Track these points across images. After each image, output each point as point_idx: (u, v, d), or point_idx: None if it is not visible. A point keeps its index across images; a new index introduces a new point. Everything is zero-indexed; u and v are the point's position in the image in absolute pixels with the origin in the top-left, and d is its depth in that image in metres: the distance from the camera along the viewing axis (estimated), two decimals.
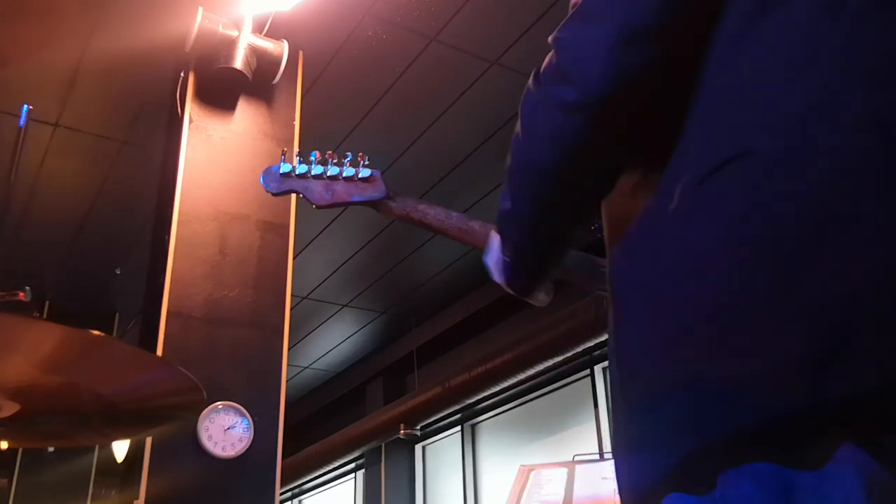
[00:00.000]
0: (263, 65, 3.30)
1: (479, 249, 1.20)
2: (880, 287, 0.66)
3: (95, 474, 5.91)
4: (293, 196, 3.26)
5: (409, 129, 4.34)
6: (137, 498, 2.66)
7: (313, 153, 1.25)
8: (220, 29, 3.21)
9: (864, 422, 0.66)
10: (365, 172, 1.21)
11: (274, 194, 1.24)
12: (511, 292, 1.11)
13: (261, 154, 3.29)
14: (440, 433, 6.63)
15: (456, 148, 4.49)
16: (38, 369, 1.22)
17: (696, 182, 0.77)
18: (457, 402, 5.65)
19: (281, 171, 1.23)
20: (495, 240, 1.10)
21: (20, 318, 1.16)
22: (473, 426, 6.42)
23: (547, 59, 0.91)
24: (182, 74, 3.29)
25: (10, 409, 1.27)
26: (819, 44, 0.76)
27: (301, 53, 3.55)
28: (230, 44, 3.21)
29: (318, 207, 1.24)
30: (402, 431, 6.10)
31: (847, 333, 0.65)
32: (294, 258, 3.33)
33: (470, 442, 6.39)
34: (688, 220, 0.77)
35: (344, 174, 1.22)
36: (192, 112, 3.21)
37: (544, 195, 0.95)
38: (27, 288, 1.60)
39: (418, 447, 6.92)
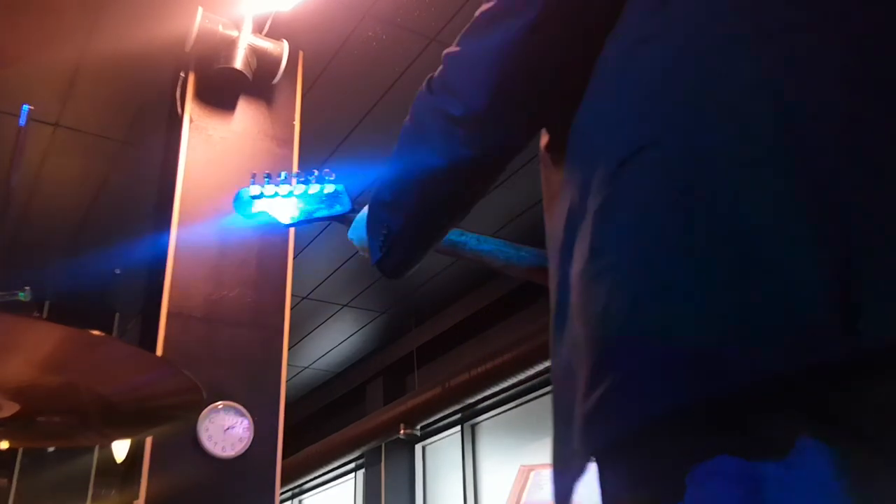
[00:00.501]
0: (263, 65, 3.30)
1: (445, 255, 1.23)
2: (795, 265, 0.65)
3: (95, 474, 5.91)
4: None
5: None
6: (137, 498, 2.66)
7: (281, 173, 1.27)
8: (220, 29, 3.21)
9: (811, 396, 0.65)
10: (330, 188, 1.23)
11: (246, 218, 1.26)
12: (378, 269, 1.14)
13: (261, 154, 3.29)
14: (440, 433, 6.63)
15: None
16: (38, 369, 1.22)
17: (608, 178, 0.77)
18: (457, 402, 5.65)
19: (250, 195, 1.25)
20: (361, 218, 1.14)
21: (20, 318, 1.16)
22: (473, 426, 6.42)
23: (439, 69, 0.94)
24: (182, 74, 3.29)
25: (10, 409, 1.27)
26: (708, 18, 0.75)
27: (301, 53, 3.55)
28: (230, 44, 3.21)
29: (287, 226, 1.26)
30: (402, 431, 6.10)
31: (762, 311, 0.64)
32: (294, 258, 3.33)
33: (470, 442, 6.39)
34: (602, 218, 0.77)
35: (310, 192, 1.24)
36: (192, 112, 3.21)
37: (429, 191, 0.99)
38: (27, 288, 1.60)
39: (418, 447, 6.92)
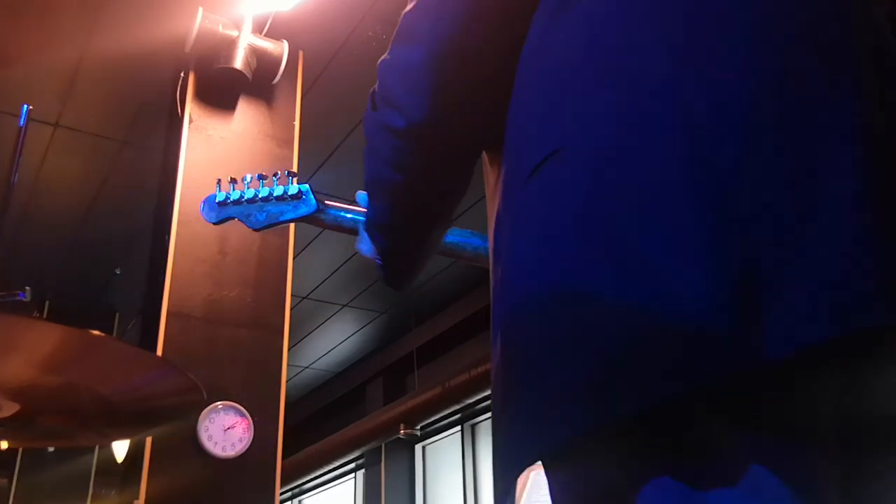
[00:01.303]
0: (263, 65, 3.30)
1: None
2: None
3: (95, 474, 5.92)
4: None
5: None
6: (137, 498, 2.66)
7: (246, 176, 1.26)
8: (220, 29, 3.21)
9: (735, 408, 0.63)
10: (293, 189, 1.22)
11: (214, 223, 1.26)
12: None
13: (261, 154, 3.29)
14: (440, 433, 6.63)
15: None
16: (38, 369, 1.22)
17: (521, 182, 0.76)
18: (457, 402, 5.65)
19: (217, 200, 1.25)
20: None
21: (20, 318, 1.16)
22: (473, 426, 6.42)
23: (377, 83, 0.92)
24: (182, 74, 3.30)
25: (10, 409, 1.27)
26: (616, 23, 0.74)
27: (301, 53, 3.55)
28: (230, 44, 3.21)
29: (255, 230, 1.26)
30: (402, 431, 6.10)
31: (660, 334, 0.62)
32: (294, 258, 3.33)
33: (470, 442, 6.39)
34: (515, 222, 0.76)
35: (275, 194, 1.23)
36: (192, 112, 3.21)
37: (399, 206, 0.98)
38: (27, 288, 1.60)
39: (418, 447, 6.92)
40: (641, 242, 0.64)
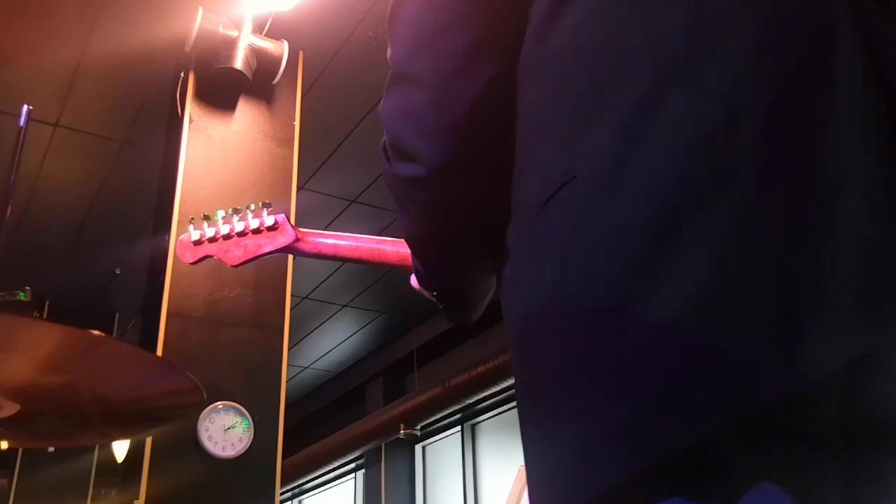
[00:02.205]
0: (263, 65, 3.30)
1: (399, 269, 1.19)
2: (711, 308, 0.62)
3: (95, 474, 5.91)
4: (293, 196, 3.28)
5: None
6: (137, 498, 2.66)
7: (219, 212, 1.23)
8: (220, 29, 3.21)
9: (762, 444, 0.62)
10: (269, 220, 1.20)
11: (191, 264, 1.24)
12: None
13: (261, 154, 3.29)
14: (440, 433, 6.63)
15: None
16: (38, 369, 1.22)
17: (535, 214, 0.73)
18: (457, 402, 5.65)
19: (192, 240, 1.22)
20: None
21: (20, 318, 1.16)
22: (473, 426, 6.42)
23: (385, 136, 0.88)
24: (182, 74, 3.29)
25: (10, 409, 1.27)
26: (615, 36, 0.72)
27: (301, 53, 3.55)
28: (230, 44, 3.21)
29: (234, 266, 1.23)
30: (402, 431, 6.10)
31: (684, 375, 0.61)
32: (294, 258, 3.33)
33: (470, 442, 6.39)
34: (529, 258, 0.74)
35: (251, 227, 1.20)
36: (192, 112, 3.21)
37: (442, 254, 0.94)
38: (27, 288, 1.60)
39: (418, 447, 6.92)
40: (667, 265, 0.63)
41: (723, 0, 0.70)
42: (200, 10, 3.17)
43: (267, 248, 1.20)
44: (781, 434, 0.63)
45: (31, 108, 1.68)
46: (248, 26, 3.25)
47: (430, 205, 0.87)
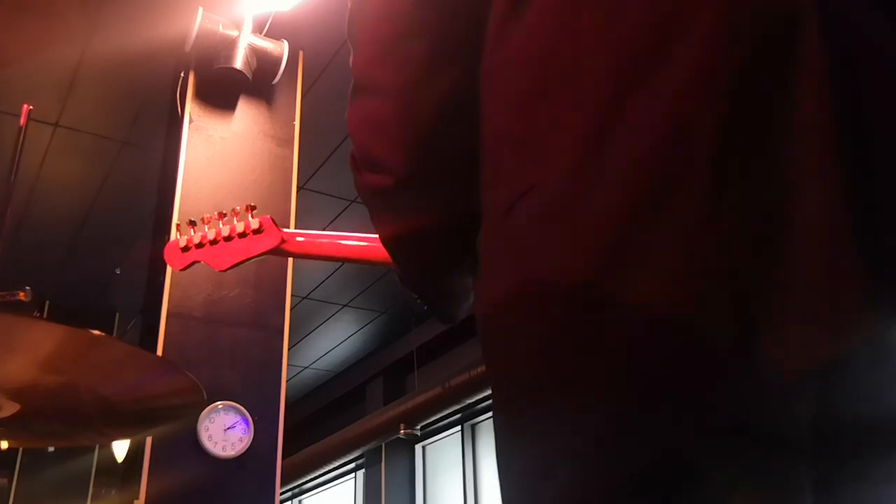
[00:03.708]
0: (263, 65, 3.30)
1: (388, 267, 1.20)
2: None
3: (95, 474, 5.92)
4: (293, 196, 3.28)
5: None
6: (137, 498, 2.66)
7: (204, 216, 1.24)
8: (220, 29, 3.21)
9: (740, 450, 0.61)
10: (255, 223, 1.20)
11: (180, 270, 1.24)
12: None
13: (261, 154, 3.29)
14: (440, 433, 6.63)
15: None
16: (38, 369, 1.22)
17: (499, 219, 0.72)
18: (457, 402, 5.65)
19: (180, 246, 1.22)
20: None
21: (20, 318, 1.16)
22: (473, 426, 6.42)
23: (353, 146, 0.88)
24: (182, 74, 3.30)
25: (10, 409, 1.27)
26: (570, 39, 0.70)
27: (301, 53, 3.55)
28: (230, 44, 3.21)
29: (222, 271, 1.23)
30: (402, 431, 6.10)
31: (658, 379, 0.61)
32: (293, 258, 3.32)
33: (470, 442, 6.39)
34: (491, 266, 0.74)
35: (237, 231, 1.21)
36: (192, 112, 3.21)
37: (416, 258, 0.94)
38: (27, 288, 1.60)
39: (418, 447, 6.92)
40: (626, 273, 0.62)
41: None
42: (200, 10, 3.17)
43: (254, 252, 1.20)
44: (749, 439, 0.62)
45: (31, 108, 1.68)
46: (248, 26, 3.25)
47: (399, 213, 0.87)
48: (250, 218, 1.20)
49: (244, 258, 1.21)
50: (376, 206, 0.90)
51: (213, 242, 1.21)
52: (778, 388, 0.60)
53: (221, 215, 1.22)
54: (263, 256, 1.21)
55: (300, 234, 1.21)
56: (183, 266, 1.23)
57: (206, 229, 1.22)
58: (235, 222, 1.21)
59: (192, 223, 1.23)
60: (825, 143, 0.62)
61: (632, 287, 0.62)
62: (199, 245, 1.21)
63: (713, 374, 0.60)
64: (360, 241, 1.19)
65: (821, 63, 0.63)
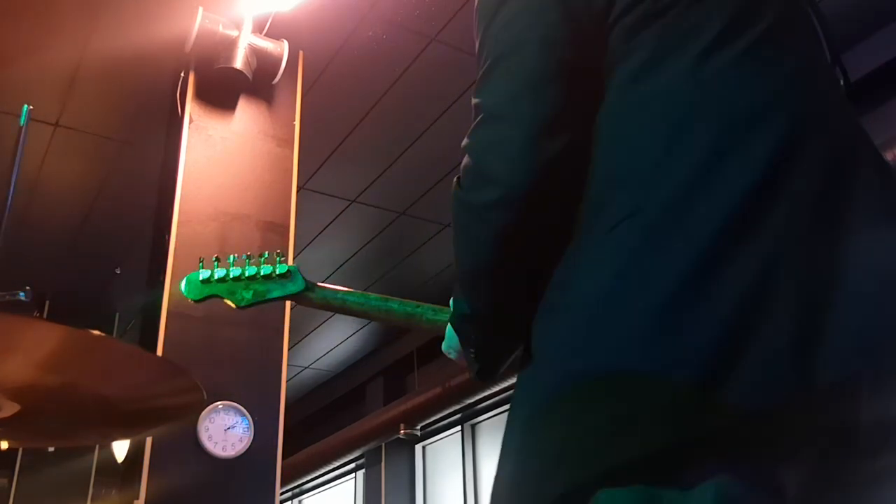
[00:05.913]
0: (263, 65, 3.30)
1: (404, 327, 1.22)
2: (742, 338, 0.75)
3: (95, 474, 5.91)
4: (293, 195, 3.28)
5: (409, 129, 4.34)
6: (137, 498, 2.66)
7: (232, 256, 1.25)
8: (220, 29, 3.21)
9: (733, 450, 0.73)
10: (282, 268, 1.22)
11: (196, 301, 1.25)
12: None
13: (261, 154, 3.29)
14: (440, 433, 6.63)
15: (456, 148, 4.43)
16: (38, 369, 1.22)
17: (601, 235, 0.85)
18: (457, 402, 5.65)
19: (201, 279, 1.24)
20: (452, 331, 1.11)
21: (20, 318, 1.16)
22: (473, 426, 6.42)
23: (464, 166, 0.95)
24: (182, 74, 3.29)
25: (10, 409, 1.27)
26: (688, 106, 0.85)
27: (301, 53, 3.55)
28: (230, 44, 3.21)
29: (240, 308, 1.24)
30: (402, 431, 6.10)
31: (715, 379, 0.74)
32: (294, 258, 3.33)
33: (470, 442, 6.39)
34: (589, 269, 0.86)
35: (262, 273, 1.22)
36: (192, 112, 3.21)
37: (499, 291, 0.98)
38: (27, 288, 1.60)
39: (418, 447, 6.92)
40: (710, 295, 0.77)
41: (778, 79, 0.87)
42: (200, 9, 3.17)
43: (276, 294, 1.22)
44: (740, 444, 0.74)
45: (31, 108, 1.68)
46: (248, 26, 3.25)
47: (499, 230, 0.92)
48: (278, 262, 1.22)
49: (265, 299, 1.23)
50: (473, 225, 0.94)
51: (237, 279, 1.23)
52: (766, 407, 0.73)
53: (249, 256, 1.25)
54: (285, 300, 1.23)
55: (326, 287, 1.22)
56: (200, 298, 1.24)
57: (232, 266, 1.23)
58: (263, 265, 1.23)
59: (217, 259, 1.25)
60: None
61: (711, 306, 0.78)
62: (221, 280, 1.23)
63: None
64: (382, 302, 1.21)
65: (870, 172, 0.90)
